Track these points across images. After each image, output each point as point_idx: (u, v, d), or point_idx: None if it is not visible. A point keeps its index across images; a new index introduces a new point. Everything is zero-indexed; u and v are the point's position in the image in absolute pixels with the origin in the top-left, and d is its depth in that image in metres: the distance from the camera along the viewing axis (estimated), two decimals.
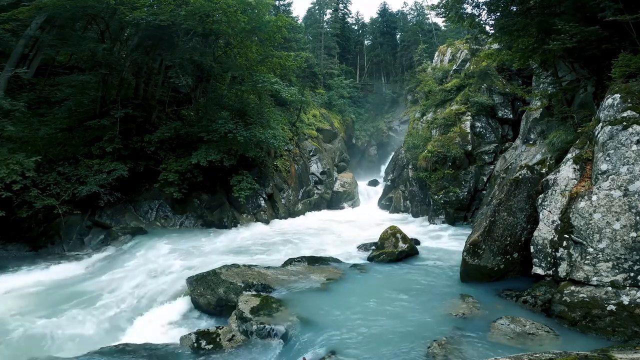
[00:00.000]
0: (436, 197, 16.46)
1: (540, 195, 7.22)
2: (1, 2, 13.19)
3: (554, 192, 6.95)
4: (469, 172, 16.68)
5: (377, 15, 50.03)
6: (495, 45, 13.39)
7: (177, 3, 13.94)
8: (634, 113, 6.17)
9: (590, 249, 5.97)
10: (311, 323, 6.02)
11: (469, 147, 16.90)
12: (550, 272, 6.49)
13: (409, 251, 10.33)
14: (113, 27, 14.56)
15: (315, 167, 23.45)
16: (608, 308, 5.45)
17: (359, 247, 11.71)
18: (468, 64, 21.22)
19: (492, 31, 11.96)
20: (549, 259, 6.54)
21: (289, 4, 37.69)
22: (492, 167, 16.63)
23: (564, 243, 6.35)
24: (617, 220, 5.79)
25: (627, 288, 5.52)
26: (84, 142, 13.59)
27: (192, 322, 7.16)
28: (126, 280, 8.59)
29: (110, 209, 13.35)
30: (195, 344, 5.78)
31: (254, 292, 7.30)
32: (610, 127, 6.34)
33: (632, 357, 3.76)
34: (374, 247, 11.11)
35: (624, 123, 6.15)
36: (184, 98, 17.95)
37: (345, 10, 47.63)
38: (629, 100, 6.41)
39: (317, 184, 23.07)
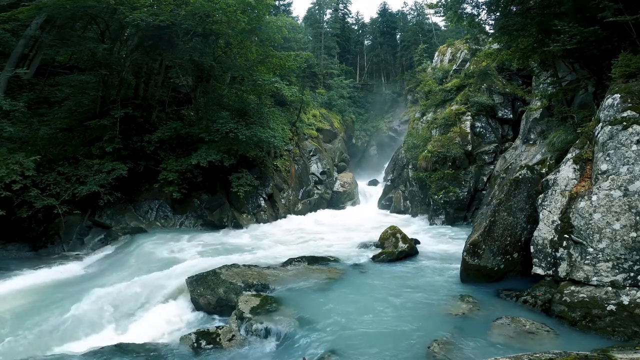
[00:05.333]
0: (436, 197, 16.47)
1: (540, 195, 7.22)
2: (1, 2, 13.18)
3: (554, 192, 6.95)
4: (469, 172, 16.69)
5: (377, 15, 50.13)
6: (495, 45, 13.38)
7: (177, 3, 13.94)
8: (634, 113, 6.18)
9: (590, 249, 5.97)
10: (311, 323, 6.02)
11: (469, 147, 16.91)
12: (550, 272, 6.50)
13: (409, 251, 10.34)
14: (113, 27, 14.55)
15: (315, 167, 23.45)
16: (608, 308, 5.45)
17: (359, 247, 11.70)
18: (468, 64, 21.22)
19: (492, 31, 11.96)
20: (549, 259, 6.54)
21: (289, 4, 37.73)
22: (492, 167, 16.63)
23: (564, 243, 6.35)
24: (617, 220, 5.79)
25: (627, 288, 5.52)
26: (84, 142, 13.58)
27: (192, 322, 7.17)
28: (126, 280, 8.58)
29: (110, 209, 13.35)
30: (195, 344, 5.79)
31: (253, 292, 7.31)
32: (610, 127, 6.34)
33: (632, 357, 3.77)
34: (374, 247, 11.12)
35: (624, 123, 6.15)
36: (184, 98, 17.94)
37: (345, 10, 47.72)
38: (629, 100, 6.41)
39: (317, 184, 23.07)
